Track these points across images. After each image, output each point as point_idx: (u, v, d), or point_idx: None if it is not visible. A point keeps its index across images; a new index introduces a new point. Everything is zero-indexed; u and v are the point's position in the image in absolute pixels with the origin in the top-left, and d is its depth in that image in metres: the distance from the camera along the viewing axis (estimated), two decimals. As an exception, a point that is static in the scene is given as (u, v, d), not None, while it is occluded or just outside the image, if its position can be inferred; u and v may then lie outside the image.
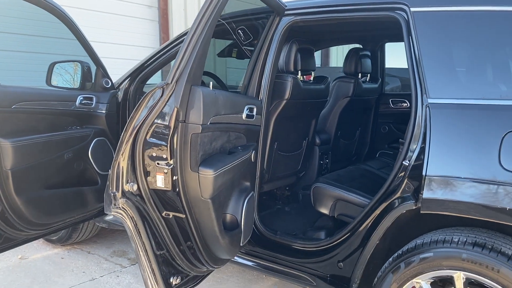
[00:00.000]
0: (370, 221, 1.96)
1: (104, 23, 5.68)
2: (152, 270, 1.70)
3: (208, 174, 1.71)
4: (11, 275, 2.86)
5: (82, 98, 2.52)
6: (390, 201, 1.87)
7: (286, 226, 2.61)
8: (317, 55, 8.40)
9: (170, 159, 1.64)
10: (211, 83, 1.78)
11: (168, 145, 1.63)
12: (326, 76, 2.90)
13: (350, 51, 3.20)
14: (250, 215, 2.16)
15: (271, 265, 2.32)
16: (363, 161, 3.18)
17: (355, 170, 2.80)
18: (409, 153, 1.81)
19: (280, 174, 2.81)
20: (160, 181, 1.67)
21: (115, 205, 1.58)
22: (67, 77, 2.73)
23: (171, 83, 1.64)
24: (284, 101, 2.53)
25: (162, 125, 1.63)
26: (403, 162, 1.83)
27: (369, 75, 3.32)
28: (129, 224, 1.62)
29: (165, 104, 1.62)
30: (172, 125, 1.63)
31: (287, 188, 3.15)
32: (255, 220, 2.36)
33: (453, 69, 1.84)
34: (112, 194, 1.58)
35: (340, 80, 3.17)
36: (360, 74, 3.18)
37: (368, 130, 3.60)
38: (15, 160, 2.07)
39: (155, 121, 1.62)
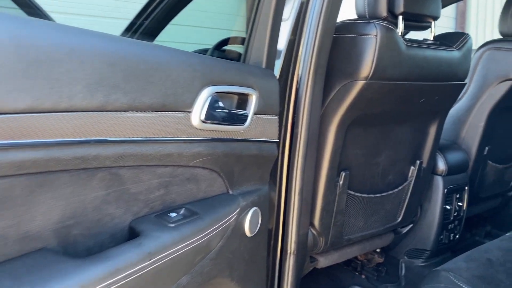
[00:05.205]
0: None
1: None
2: None
3: None
4: None
5: None
6: None
7: None
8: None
9: None
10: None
11: None
12: (464, 33, 1.39)
13: None
14: None
15: None
16: None
17: None
18: None
19: (358, 234, 1.41)
20: None
21: None
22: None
23: None
24: (361, 83, 1.11)
25: None
26: None
27: None
28: None
29: None
30: None
31: (377, 252, 1.71)
32: None
33: None
34: None
35: (491, 48, 1.64)
36: None
37: None
38: None
39: None
